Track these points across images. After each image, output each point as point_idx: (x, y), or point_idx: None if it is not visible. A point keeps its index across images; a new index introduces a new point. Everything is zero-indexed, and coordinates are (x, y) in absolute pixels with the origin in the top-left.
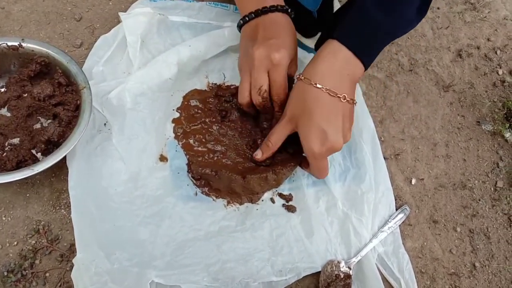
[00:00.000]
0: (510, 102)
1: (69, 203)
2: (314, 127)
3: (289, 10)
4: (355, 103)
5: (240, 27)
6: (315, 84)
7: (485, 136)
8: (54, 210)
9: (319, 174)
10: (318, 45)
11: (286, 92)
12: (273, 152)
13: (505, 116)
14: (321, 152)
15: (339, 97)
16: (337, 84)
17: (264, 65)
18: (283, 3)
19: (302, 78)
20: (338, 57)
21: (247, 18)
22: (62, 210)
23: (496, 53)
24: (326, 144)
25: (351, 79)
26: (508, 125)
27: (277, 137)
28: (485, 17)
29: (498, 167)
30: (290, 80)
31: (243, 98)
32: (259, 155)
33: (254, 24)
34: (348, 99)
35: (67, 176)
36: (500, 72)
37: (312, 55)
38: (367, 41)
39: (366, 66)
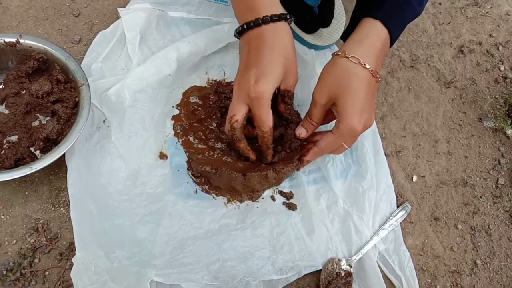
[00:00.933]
0: None
1: (68, 201)
2: (358, 105)
3: (287, 16)
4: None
5: (237, 35)
6: (364, 64)
7: (486, 133)
8: (53, 208)
9: (339, 151)
10: (353, 19)
11: (270, 126)
12: (315, 129)
13: (507, 112)
14: (359, 129)
15: (377, 77)
16: (377, 66)
17: (241, 97)
18: (279, 9)
19: (349, 56)
20: (381, 39)
21: (239, 29)
22: (61, 208)
23: (498, 49)
24: (365, 122)
25: (384, 59)
26: (510, 121)
27: (318, 114)
28: (487, 12)
29: (499, 164)
30: (287, 96)
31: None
32: (303, 133)
33: (246, 39)
34: (379, 79)
35: (66, 173)
36: (502, 68)
37: (312, 51)
38: (403, 24)
39: (393, 42)
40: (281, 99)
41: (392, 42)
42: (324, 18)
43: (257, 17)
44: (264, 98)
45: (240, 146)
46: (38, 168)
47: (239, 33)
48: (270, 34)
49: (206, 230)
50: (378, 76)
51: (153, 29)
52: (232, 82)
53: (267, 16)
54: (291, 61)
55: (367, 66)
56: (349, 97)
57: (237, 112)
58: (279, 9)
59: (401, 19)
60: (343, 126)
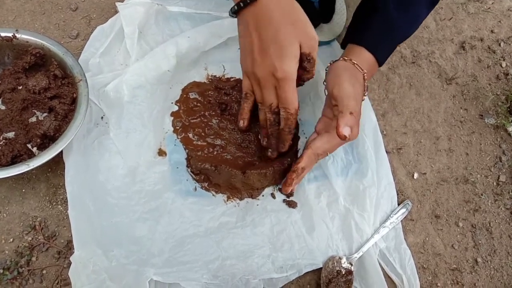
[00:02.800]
0: None
1: (66, 198)
2: (351, 89)
3: None
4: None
5: (233, 14)
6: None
7: (488, 130)
8: (50, 206)
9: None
10: (344, 44)
11: (296, 107)
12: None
13: (508, 109)
14: (357, 109)
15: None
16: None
17: (269, 83)
18: None
19: (346, 58)
20: (367, 65)
21: (235, 8)
22: (59, 206)
23: (499, 45)
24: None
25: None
26: None
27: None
28: (489, 8)
29: (501, 161)
30: (306, 61)
31: (244, 120)
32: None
33: (250, 15)
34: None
35: (64, 171)
36: (504, 64)
37: None
38: (389, 46)
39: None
40: (300, 65)
41: (383, 61)
42: (325, 13)
43: None
44: (292, 77)
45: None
46: (35, 166)
47: (239, 9)
48: (275, 4)
49: (205, 228)
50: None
51: (151, 23)
52: (232, 78)
53: None
54: (303, 24)
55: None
56: (344, 82)
57: (272, 99)
58: None
59: (388, 44)
60: (343, 106)
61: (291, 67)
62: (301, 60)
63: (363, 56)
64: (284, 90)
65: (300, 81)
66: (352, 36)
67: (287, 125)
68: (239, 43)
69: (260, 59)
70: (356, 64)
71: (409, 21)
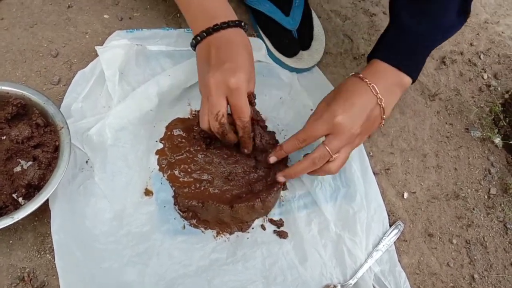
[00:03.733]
0: (497, 107)
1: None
2: (350, 108)
3: (242, 24)
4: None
5: (194, 46)
6: (373, 86)
7: (474, 143)
8: (39, 256)
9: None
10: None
11: (249, 115)
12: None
13: (493, 121)
14: (344, 126)
15: (381, 108)
16: (388, 101)
17: (221, 91)
18: (234, 17)
19: (361, 76)
20: (400, 85)
21: (198, 38)
22: (47, 255)
23: (479, 57)
24: (350, 130)
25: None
26: (497, 130)
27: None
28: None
29: (490, 174)
30: (251, 95)
31: (203, 123)
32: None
33: (206, 44)
34: (384, 119)
35: (50, 218)
36: (485, 76)
37: (294, 74)
38: (408, 55)
39: (413, 75)
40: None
41: (408, 70)
42: (303, 41)
43: (215, 23)
44: (244, 88)
45: (230, 138)
46: (20, 218)
47: (200, 40)
48: (234, 35)
49: (196, 267)
50: (383, 111)
51: (132, 64)
52: None
53: (228, 21)
54: (252, 64)
55: (376, 89)
56: (345, 100)
57: (221, 107)
58: (235, 17)
59: (402, 50)
60: (328, 115)
61: (244, 80)
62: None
63: (375, 67)
64: (238, 100)
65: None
66: (377, 49)
67: (245, 133)
68: (197, 70)
69: (214, 72)
70: (364, 77)
71: (430, 28)
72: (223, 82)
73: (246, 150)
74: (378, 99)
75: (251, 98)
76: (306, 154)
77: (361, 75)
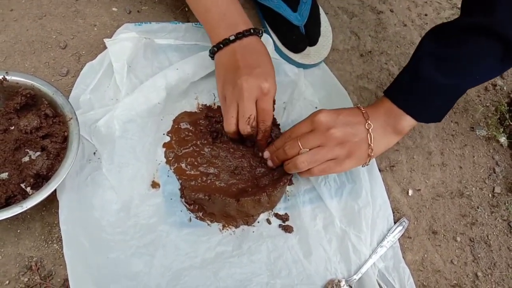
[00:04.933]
0: (503, 106)
1: (61, 236)
2: (335, 113)
3: (260, 32)
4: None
5: (213, 53)
6: (368, 121)
7: (480, 142)
8: (46, 245)
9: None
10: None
11: (271, 119)
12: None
13: (498, 120)
14: (325, 124)
15: (369, 148)
16: (380, 140)
17: (253, 95)
18: (252, 25)
19: (361, 107)
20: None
21: (221, 45)
22: (55, 245)
23: None
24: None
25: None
26: (502, 129)
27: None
28: None
29: (494, 173)
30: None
31: (230, 127)
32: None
33: (231, 50)
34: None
35: (58, 209)
36: None
37: (301, 69)
38: (417, 97)
39: (420, 119)
40: None
41: (411, 111)
42: (311, 37)
43: (238, 31)
44: (273, 93)
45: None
46: (29, 207)
47: (222, 47)
48: (255, 42)
49: (201, 259)
50: (370, 138)
51: (140, 57)
52: None
53: (250, 29)
54: (273, 69)
55: (368, 114)
56: (334, 109)
57: (253, 111)
58: (251, 24)
59: (412, 92)
60: (313, 114)
61: (275, 86)
62: None
63: (381, 103)
64: (267, 105)
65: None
66: (391, 89)
67: (264, 137)
68: (216, 75)
69: (248, 74)
70: (362, 108)
71: (456, 81)
72: (256, 87)
73: (262, 154)
74: (367, 124)
75: (273, 103)
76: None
77: (360, 105)
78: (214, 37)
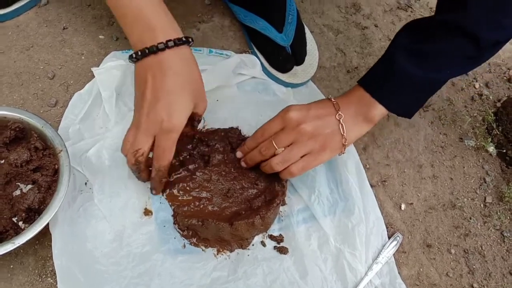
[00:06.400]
0: (490, 116)
1: (55, 270)
2: (306, 108)
3: (190, 39)
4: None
5: (132, 62)
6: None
7: (469, 152)
8: (40, 280)
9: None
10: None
11: (169, 160)
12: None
13: (486, 130)
14: (294, 118)
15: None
16: (352, 126)
17: (151, 131)
18: (179, 32)
19: (332, 99)
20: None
21: (137, 57)
22: (49, 279)
23: None
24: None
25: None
26: (490, 138)
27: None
28: None
29: (485, 182)
30: (196, 120)
31: (123, 150)
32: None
33: (144, 68)
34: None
35: (51, 242)
36: (477, 85)
37: (289, 89)
38: (389, 86)
39: (391, 108)
40: (190, 122)
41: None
42: (297, 56)
43: (159, 41)
44: (176, 131)
45: (142, 177)
46: (21, 243)
47: (137, 59)
48: (174, 60)
49: (197, 286)
50: (342, 128)
51: (129, 84)
52: (212, 128)
53: (171, 40)
54: (200, 87)
55: (339, 105)
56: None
57: (144, 145)
58: (178, 31)
59: (384, 81)
60: (283, 111)
61: (180, 122)
62: (192, 119)
63: (353, 92)
64: (166, 143)
65: (182, 137)
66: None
67: (158, 175)
68: (134, 89)
69: (150, 107)
70: (332, 99)
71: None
72: (156, 122)
73: (154, 192)
74: (337, 114)
75: (195, 121)
76: None
77: (331, 96)
78: (134, 44)
